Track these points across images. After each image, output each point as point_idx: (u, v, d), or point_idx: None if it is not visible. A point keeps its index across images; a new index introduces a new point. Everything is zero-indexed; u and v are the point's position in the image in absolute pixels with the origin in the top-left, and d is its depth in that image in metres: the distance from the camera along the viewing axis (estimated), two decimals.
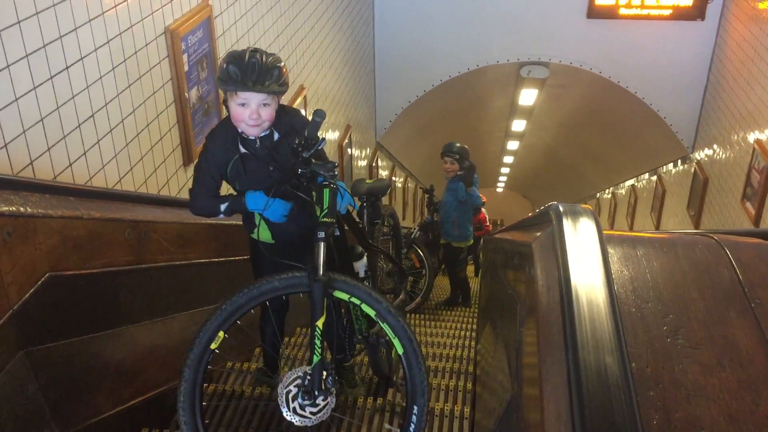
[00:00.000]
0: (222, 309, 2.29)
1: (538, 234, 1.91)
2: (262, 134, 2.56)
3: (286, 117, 2.65)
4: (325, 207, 2.45)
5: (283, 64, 2.46)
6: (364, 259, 3.26)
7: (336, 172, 2.50)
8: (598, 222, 1.60)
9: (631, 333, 1.40)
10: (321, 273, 2.31)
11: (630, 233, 1.86)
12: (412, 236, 6.51)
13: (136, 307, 2.81)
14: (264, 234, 2.82)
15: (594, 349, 1.24)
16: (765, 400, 1.28)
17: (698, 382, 1.29)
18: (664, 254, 1.66)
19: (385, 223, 4.29)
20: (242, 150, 2.60)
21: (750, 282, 1.52)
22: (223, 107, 2.56)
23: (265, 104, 2.44)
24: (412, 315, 6.41)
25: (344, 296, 2.40)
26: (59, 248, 2.24)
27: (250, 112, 2.43)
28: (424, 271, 6.26)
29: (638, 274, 1.58)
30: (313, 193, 2.52)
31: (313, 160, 2.48)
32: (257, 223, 2.73)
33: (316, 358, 2.26)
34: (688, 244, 1.69)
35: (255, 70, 2.36)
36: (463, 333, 5.69)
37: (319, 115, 2.38)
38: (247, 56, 2.37)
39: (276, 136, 2.62)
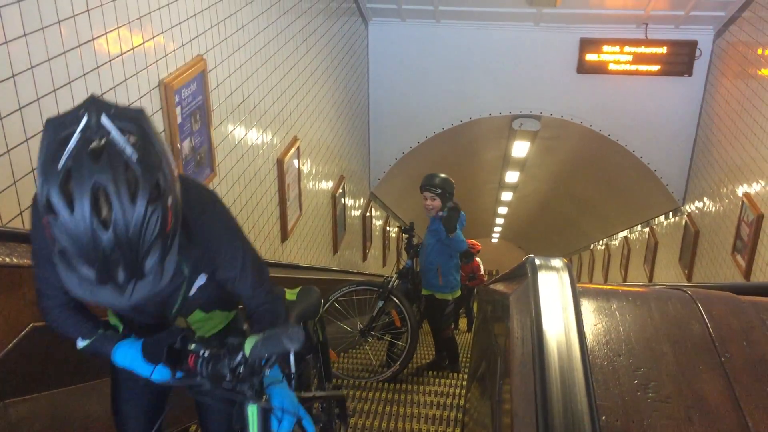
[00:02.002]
0: None
1: (516, 287, 1.93)
2: None
3: (194, 214, 1.55)
4: None
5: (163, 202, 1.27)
6: None
7: (267, 373, 1.60)
8: (573, 275, 1.63)
9: (602, 386, 1.41)
10: None
11: (605, 286, 1.89)
12: (391, 285, 5.28)
13: None
14: (111, 318, 1.89)
15: (564, 401, 1.26)
16: None
17: None
18: (638, 308, 1.69)
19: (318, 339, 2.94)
20: None
21: (721, 336, 1.54)
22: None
23: None
24: (386, 385, 5.13)
25: None
26: None
27: None
28: (404, 328, 5.13)
29: (611, 327, 1.60)
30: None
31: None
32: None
33: None
34: (662, 298, 1.72)
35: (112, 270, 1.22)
36: (448, 414, 4.43)
37: (294, 339, 1.46)
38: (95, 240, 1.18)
39: None
